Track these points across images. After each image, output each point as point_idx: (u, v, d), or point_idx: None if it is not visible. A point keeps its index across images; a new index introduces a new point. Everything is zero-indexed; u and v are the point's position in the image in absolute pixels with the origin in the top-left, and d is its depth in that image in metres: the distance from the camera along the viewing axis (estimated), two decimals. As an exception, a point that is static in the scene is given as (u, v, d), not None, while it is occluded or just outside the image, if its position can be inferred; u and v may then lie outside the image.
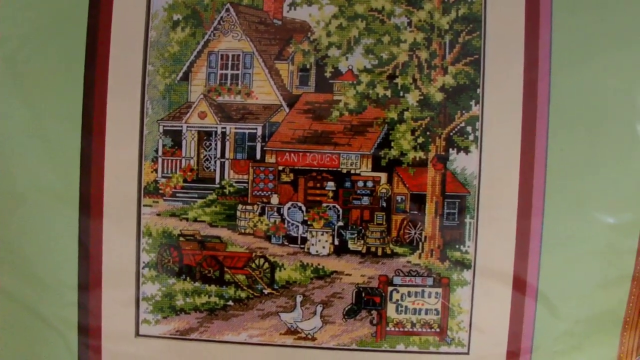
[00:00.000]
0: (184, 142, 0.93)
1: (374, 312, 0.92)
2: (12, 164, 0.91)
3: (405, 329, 0.92)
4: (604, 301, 0.91)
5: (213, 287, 0.93)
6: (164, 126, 0.92)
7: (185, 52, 0.92)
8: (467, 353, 0.91)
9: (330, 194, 0.92)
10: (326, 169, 0.91)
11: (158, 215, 0.92)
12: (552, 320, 0.90)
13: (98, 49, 0.90)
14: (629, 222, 0.89)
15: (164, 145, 0.92)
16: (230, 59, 0.93)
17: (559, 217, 0.88)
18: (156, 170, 0.92)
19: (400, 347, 0.92)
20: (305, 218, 0.92)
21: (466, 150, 0.89)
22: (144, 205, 0.92)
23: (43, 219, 0.92)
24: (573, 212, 0.88)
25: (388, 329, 0.92)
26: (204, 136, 0.94)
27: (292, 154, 0.92)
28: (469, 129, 0.89)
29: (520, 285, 0.89)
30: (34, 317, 0.94)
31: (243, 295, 0.93)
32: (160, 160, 0.92)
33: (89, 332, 0.93)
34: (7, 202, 0.92)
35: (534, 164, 0.87)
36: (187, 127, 0.93)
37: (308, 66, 0.91)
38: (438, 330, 0.92)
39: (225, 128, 0.93)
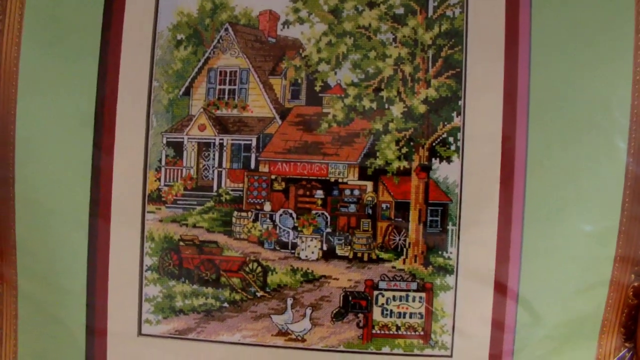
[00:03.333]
0: (184, 153, 0.99)
1: (361, 315, 0.95)
2: (31, 172, 0.97)
3: (391, 332, 0.95)
4: (583, 306, 0.93)
5: (210, 290, 0.98)
6: (167, 138, 0.98)
7: (187, 69, 0.98)
8: (451, 356, 0.94)
9: (319, 202, 0.96)
10: (315, 177, 0.96)
11: (160, 221, 0.98)
12: (533, 324, 0.92)
13: (109, 67, 0.96)
14: (606, 229, 0.91)
15: (166, 156, 0.98)
16: (228, 74, 0.99)
17: (539, 224, 0.91)
18: (159, 179, 0.98)
19: (386, 349, 0.95)
20: (296, 224, 0.96)
21: (448, 159, 0.92)
22: (147, 212, 0.98)
23: (56, 224, 0.98)
24: (552, 220, 0.91)
25: (374, 331, 0.95)
26: (203, 147, 0.99)
27: (284, 164, 0.96)
28: (450, 139, 0.92)
29: (501, 290, 0.91)
30: (48, 318, 1.00)
31: (237, 297, 0.97)
32: (163, 169, 0.98)
33: (95, 331, 0.98)
34: (26, 208, 0.98)
35: (514, 173, 0.90)
36: (188, 138, 0.99)
37: (299, 81, 0.96)
38: (422, 333, 0.95)
39: (222, 139, 0.99)
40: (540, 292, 0.92)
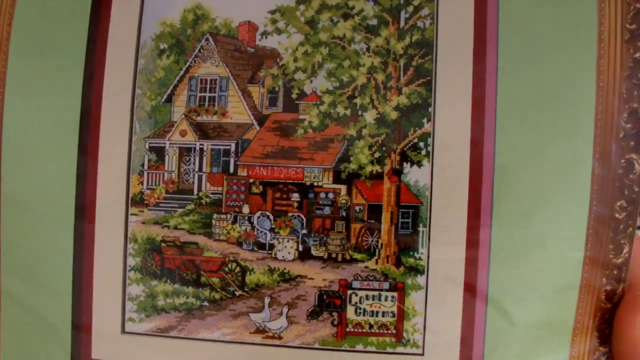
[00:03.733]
0: (166, 158, 1.03)
1: (335, 314, 0.99)
2: (17, 176, 1.01)
3: (364, 330, 0.99)
4: (554, 308, 0.96)
5: (190, 289, 1.01)
6: (149, 143, 1.02)
7: (170, 77, 1.02)
8: (422, 354, 0.97)
9: (295, 204, 1.00)
10: (292, 181, 0.99)
11: (143, 223, 1.01)
12: (504, 325, 0.95)
13: (94, 75, 1.00)
14: (574, 232, 0.94)
15: (149, 160, 1.02)
16: (208, 82, 1.03)
17: (507, 227, 0.94)
18: (142, 183, 1.01)
19: (359, 347, 0.98)
20: (273, 226, 1.00)
21: (419, 164, 0.96)
22: (130, 214, 1.01)
23: (43, 226, 1.01)
24: (520, 223, 0.94)
25: (348, 329, 0.99)
26: (184, 152, 1.03)
27: (262, 168, 1.00)
28: (421, 144, 0.96)
29: (471, 291, 0.95)
30: (33, 316, 1.03)
31: (217, 296, 1.01)
32: (145, 173, 1.02)
33: (80, 329, 1.01)
34: (12, 209, 1.02)
35: (482, 176, 0.94)
36: (170, 144, 1.03)
37: (277, 88, 1.00)
38: (394, 331, 0.98)
39: (203, 145, 1.03)
40: (509, 294, 0.95)
